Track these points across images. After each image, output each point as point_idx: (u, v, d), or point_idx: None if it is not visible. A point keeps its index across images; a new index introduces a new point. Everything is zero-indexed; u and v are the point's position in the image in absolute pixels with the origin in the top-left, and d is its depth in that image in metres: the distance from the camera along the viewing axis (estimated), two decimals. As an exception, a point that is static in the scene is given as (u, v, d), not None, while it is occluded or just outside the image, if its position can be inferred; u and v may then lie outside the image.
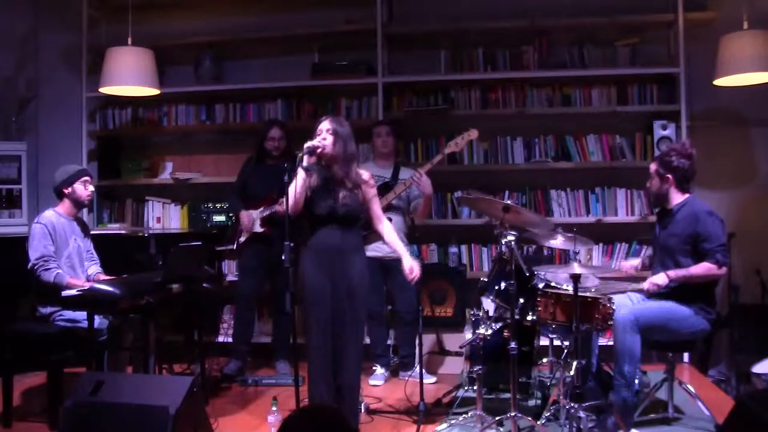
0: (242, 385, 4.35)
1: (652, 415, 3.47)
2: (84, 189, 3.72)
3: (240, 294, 4.57)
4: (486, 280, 3.62)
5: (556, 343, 3.71)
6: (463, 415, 3.45)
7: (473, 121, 4.62)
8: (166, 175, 5.39)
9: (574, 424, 3.05)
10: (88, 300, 3.29)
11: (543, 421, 3.34)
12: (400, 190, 4.18)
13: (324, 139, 3.15)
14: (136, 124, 5.46)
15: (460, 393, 3.80)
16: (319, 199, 3.16)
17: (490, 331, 3.50)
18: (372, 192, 3.28)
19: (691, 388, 3.50)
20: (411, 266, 3.24)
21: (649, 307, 3.35)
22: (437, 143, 5.01)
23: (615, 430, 3.18)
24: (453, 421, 3.49)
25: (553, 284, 3.53)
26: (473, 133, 4.09)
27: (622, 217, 4.81)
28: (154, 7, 5.19)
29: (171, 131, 5.47)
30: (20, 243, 3.66)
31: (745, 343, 4.29)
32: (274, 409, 3.41)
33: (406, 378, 4.10)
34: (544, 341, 3.89)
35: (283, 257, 2.91)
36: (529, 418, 3.23)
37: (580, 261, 3.27)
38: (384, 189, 4.16)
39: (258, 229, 4.44)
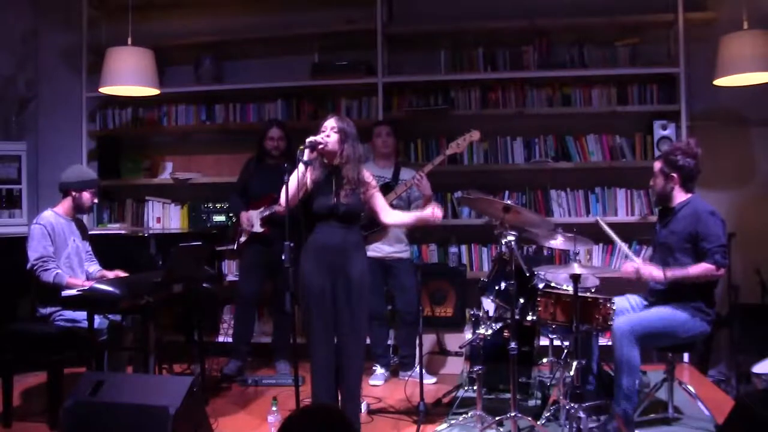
0: (242, 385, 4.34)
1: (652, 415, 3.47)
2: (91, 198, 3.74)
3: (240, 294, 4.57)
4: (486, 280, 3.63)
5: (556, 343, 3.71)
6: (463, 415, 3.45)
7: (473, 121, 4.62)
8: (166, 175, 5.39)
9: (574, 425, 3.04)
10: (88, 300, 3.29)
11: (543, 421, 3.35)
12: (401, 190, 4.18)
13: (328, 136, 3.16)
14: (136, 124, 5.46)
15: (460, 393, 3.80)
16: (320, 196, 3.16)
17: (490, 331, 3.50)
18: (373, 190, 3.27)
19: (691, 388, 3.50)
20: (432, 210, 3.20)
21: (645, 316, 3.33)
22: (437, 143, 5.01)
23: (616, 433, 3.18)
24: (453, 422, 3.49)
25: (553, 284, 3.53)
26: (475, 135, 4.07)
27: (622, 217, 4.81)
28: (154, 7, 5.20)
29: (171, 131, 5.48)
30: (20, 243, 3.66)
31: (745, 343, 4.29)
32: (274, 409, 3.41)
33: (406, 378, 4.10)
34: (544, 341, 3.90)
35: (283, 257, 2.92)
36: (529, 418, 3.23)
37: (580, 261, 3.27)
38: (385, 189, 4.14)
39: (258, 229, 4.44)
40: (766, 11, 4.39)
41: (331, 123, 3.20)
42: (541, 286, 3.49)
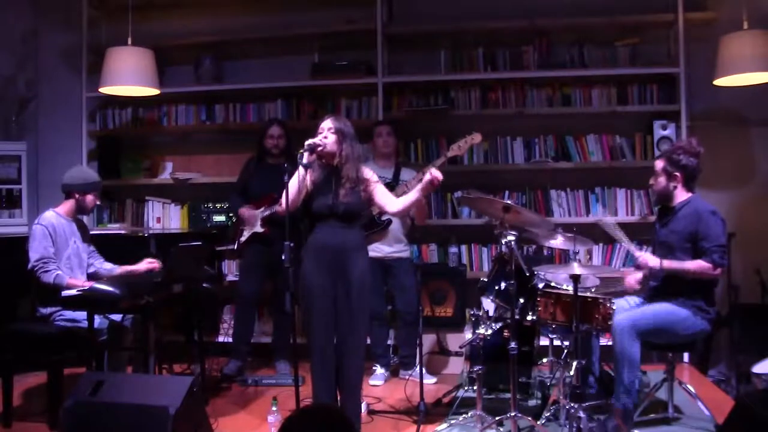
0: (242, 385, 4.34)
1: (652, 415, 3.47)
2: (93, 201, 3.75)
3: (240, 294, 4.57)
4: (486, 280, 3.63)
5: (556, 343, 3.71)
6: (463, 415, 3.45)
7: (473, 121, 4.62)
8: (166, 175, 5.39)
9: (574, 424, 3.04)
10: (88, 300, 3.29)
11: (543, 421, 3.35)
12: (402, 191, 4.17)
13: (325, 137, 3.16)
14: (136, 124, 5.45)
15: (460, 393, 3.80)
16: (319, 196, 3.16)
17: (490, 331, 3.51)
18: (374, 184, 3.24)
19: (691, 388, 3.50)
20: (431, 174, 3.01)
21: (646, 312, 3.34)
22: (437, 143, 5.01)
23: None
24: (453, 421, 3.48)
25: (553, 284, 3.53)
26: (476, 137, 4.01)
27: (622, 217, 4.80)
28: (154, 7, 5.19)
29: (171, 131, 5.47)
30: (20, 243, 3.67)
31: (745, 343, 4.29)
32: (274, 409, 3.41)
33: (407, 378, 4.10)
34: (544, 341, 3.90)
35: (283, 257, 2.92)
36: (529, 418, 3.23)
37: (580, 261, 3.27)
38: (385, 190, 4.15)
39: (258, 229, 4.44)
40: (766, 11, 4.39)
41: (327, 124, 3.19)
42: (541, 286, 3.49)
